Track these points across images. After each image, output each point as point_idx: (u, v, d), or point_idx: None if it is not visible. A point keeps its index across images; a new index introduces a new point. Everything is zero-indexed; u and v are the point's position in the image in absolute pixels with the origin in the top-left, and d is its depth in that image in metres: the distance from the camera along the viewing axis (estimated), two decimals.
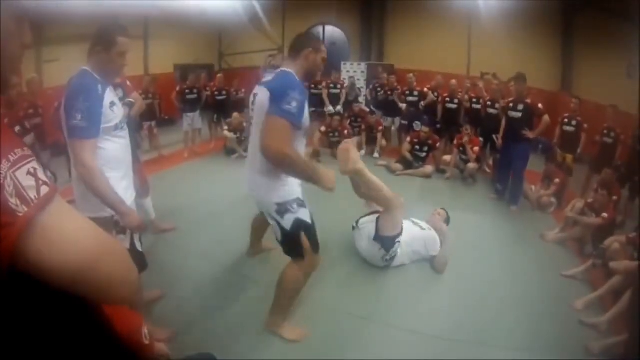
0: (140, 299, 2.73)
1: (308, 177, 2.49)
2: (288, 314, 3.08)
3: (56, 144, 5.27)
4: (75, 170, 2.26)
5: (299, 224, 2.68)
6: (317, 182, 2.51)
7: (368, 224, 4.08)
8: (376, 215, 4.07)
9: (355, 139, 4.37)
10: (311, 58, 2.64)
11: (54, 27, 7.77)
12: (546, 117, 5.90)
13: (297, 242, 2.70)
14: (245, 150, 7.92)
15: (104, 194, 2.21)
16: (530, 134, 5.91)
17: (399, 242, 3.97)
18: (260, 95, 2.59)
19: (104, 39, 2.31)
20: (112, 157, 2.38)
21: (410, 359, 2.93)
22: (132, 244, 2.53)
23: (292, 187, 2.68)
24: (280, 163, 2.38)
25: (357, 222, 4.24)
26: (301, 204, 2.70)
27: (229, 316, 3.24)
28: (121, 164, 2.47)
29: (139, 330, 1.17)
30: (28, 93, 5.51)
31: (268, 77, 2.74)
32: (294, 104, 2.35)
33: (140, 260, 2.62)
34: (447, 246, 4.27)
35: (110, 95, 2.36)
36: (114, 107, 2.37)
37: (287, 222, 2.66)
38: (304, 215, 2.70)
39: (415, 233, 4.19)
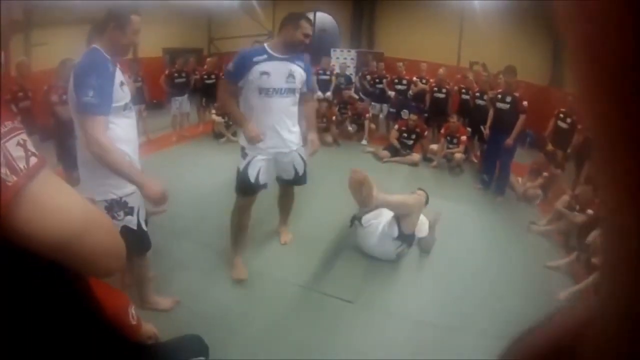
0: (146, 276, 2.80)
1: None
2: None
3: (45, 128, 5.21)
4: (88, 149, 2.20)
5: None
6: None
7: (377, 222, 3.98)
8: (384, 212, 4.04)
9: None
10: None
11: (43, 11, 7.61)
12: (522, 117, 5.89)
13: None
14: (233, 135, 7.98)
15: (120, 168, 2.20)
16: (509, 141, 5.92)
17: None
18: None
19: (118, 17, 2.30)
20: (121, 137, 2.35)
21: (395, 343, 2.97)
22: (139, 224, 2.54)
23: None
24: None
25: (359, 220, 4.06)
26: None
27: (216, 298, 3.25)
28: (129, 144, 2.45)
29: (126, 311, 1.18)
30: (17, 76, 5.43)
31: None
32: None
33: (145, 240, 2.66)
34: (436, 227, 4.37)
35: (119, 75, 2.36)
36: (123, 87, 2.37)
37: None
38: None
39: None
